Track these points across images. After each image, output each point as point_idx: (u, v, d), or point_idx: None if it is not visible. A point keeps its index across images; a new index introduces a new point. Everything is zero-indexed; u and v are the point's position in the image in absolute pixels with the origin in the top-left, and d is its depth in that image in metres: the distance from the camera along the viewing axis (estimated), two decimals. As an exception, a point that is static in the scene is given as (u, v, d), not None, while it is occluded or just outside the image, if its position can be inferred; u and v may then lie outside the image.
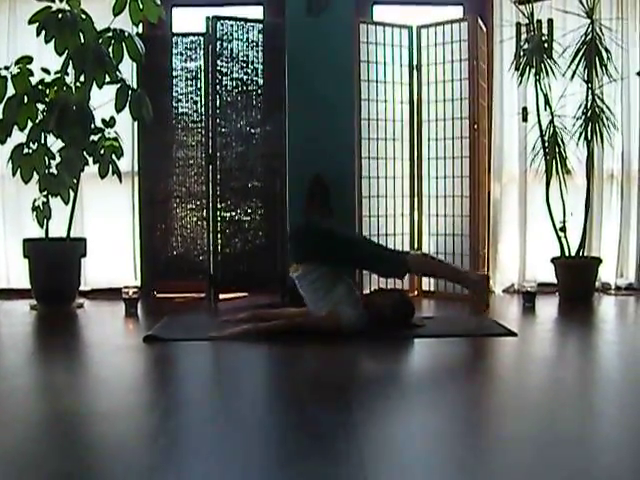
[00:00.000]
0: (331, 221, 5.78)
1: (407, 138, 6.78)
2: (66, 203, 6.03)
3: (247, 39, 6.56)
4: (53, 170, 5.98)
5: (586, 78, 6.31)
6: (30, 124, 5.91)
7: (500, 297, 6.61)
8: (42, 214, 6.05)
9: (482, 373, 4.19)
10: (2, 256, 6.78)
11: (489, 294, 5.38)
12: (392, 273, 5.40)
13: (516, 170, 6.89)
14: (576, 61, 6.27)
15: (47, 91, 5.94)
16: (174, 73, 6.62)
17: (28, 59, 5.94)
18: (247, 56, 6.57)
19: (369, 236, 6.40)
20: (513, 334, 4.87)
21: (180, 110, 6.66)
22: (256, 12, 7.02)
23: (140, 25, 6.29)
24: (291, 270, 5.21)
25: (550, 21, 6.30)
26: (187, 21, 7.04)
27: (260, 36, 6.62)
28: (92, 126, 5.97)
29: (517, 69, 6.38)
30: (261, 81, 6.65)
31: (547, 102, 6.36)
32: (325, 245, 5.14)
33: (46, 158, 5.96)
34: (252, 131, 6.66)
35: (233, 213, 6.56)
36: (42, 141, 5.97)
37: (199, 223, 6.68)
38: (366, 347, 4.74)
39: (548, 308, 6.05)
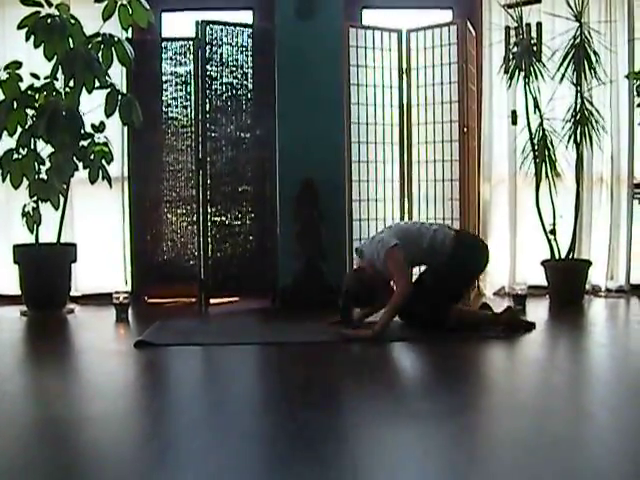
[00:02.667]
0: None
1: (397, 141, 6.79)
2: (56, 208, 6.02)
3: (237, 43, 6.56)
4: (43, 175, 5.97)
5: (575, 81, 6.33)
6: (20, 129, 5.89)
7: (490, 300, 6.61)
8: (32, 220, 6.03)
9: (473, 376, 4.19)
10: (-8, 262, 6.76)
11: (519, 319, 5.31)
12: (440, 320, 5.14)
13: (506, 173, 6.90)
14: (565, 64, 6.29)
15: (36, 96, 5.93)
16: (164, 78, 6.62)
17: (17, 64, 5.93)
18: (237, 60, 6.57)
19: (359, 240, 6.42)
20: (503, 337, 4.87)
21: (170, 115, 6.65)
22: (245, 16, 7.03)
23: (129, 30, 6.27)
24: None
25: (539, 24, 6.32)
26: (176, 26, 7.04)
27: (250, 40, 6.61)
28: (82, 131, 5.96)
29: (506, 72, 6.39)
30: (251, 85, 6.65)
31: (536, 105, 6.38)
32: None
33: (36, 163, 5.95)
34: (242, 135, 6.65)
35: (223, 218, 6.55)
36: (32, 146, 5.96)
37: (189, 228, 6.67)
38: (358, 351, 4.74)
39: (538, 311, 6.06)
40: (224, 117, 6.56)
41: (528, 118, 6.38)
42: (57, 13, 5.78)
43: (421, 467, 2.73)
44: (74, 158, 5.98)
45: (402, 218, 6.79)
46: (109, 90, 5.91)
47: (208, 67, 6.46)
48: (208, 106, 6.48)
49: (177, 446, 2.93)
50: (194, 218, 6.57)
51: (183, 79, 6.61)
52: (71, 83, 5.85)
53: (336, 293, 5.53)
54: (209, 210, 6.46)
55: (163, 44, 6.63)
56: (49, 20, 5.73)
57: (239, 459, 2.78)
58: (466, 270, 5.44)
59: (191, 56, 6.55)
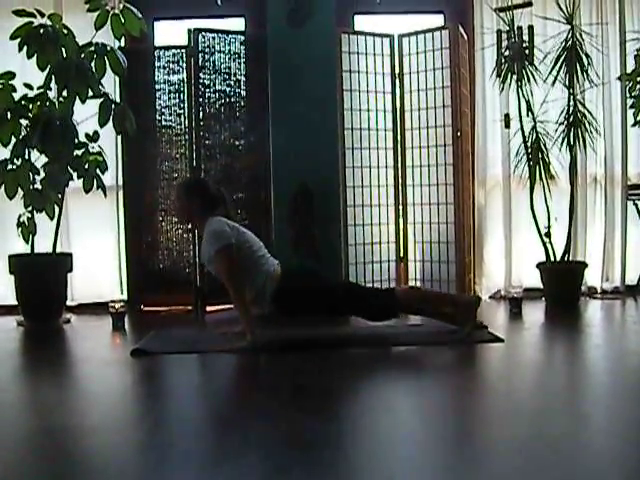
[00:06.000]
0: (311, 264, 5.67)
1: (391, 146, 6.81)
2: (51, 218, 6.02)
3: (229, 51, 6.57)
4: (38, 185, 5.97)
5: (567, 84, 6.35)
6: (14, 140, 5.89)
7: (487, 303, 6.62)
8: (27, 230, 6.03)
9: (470, 380, 4.19)
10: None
11: (476, 318, 5.23)
12: (383, 314, 5.12)
13: (500, 176, 6.92)
14: (557, 67, 6.31)
15: (30, 106, 5.92)
16: (157, 86, 6.63)
17: (10, 75, 5.93)
18: (229, 68, 6.58)
19: (354, 245, 6.43)
20: (500, 340, 4.88)
21: (163, 123, 6.67)
22: (238, 24, 7.05)
23: (122, 39, 6.28)
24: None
25: (531, 28, 6.33)
26: (169, 34, 7.07)
27: (242, 48, 6.63)
28: (76, 141, 5.96)
29: (499, 76, 6.41)
30: (244, 93, 6.67)
31: (529, 108, 6.39)
32: (306, 301, 5.05)
33: (30, 174, 5.95)
34: (236, 142, 6.67)
35: (219, 225, 6.55)
36: (26, 157, 5.95)
37: (185, 236, 6.67)
38: (352, 356, 4.75)
39: (535, 313, 6.06)
40: (217, 124, 6.58)
41: (521, 121, 6.39)
42: (50, 23, 5.79)
43: (418, 471, 2.73)
44: (68, 168, 5.98)
45: (397, 223, 6.80)
46: (102, 99, 5.91)
47: (201, 75, 6.48)
48: (201, 114, 6.50)
49: (173, 454, 2.92)
50: (189, 226, 6.56)
51: (176, 87, 6.63)
52: (64, 93, 5.86)
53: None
54: (204, 218, 6.46)
55: (156, 53, 6.65)
56: (42, 30, 5.74)
57: (234, 467, 2.77)
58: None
59: (184, 64, 6.57)
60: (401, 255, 6.86)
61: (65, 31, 5.83)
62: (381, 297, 5.13)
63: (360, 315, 5.18)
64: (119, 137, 6.50)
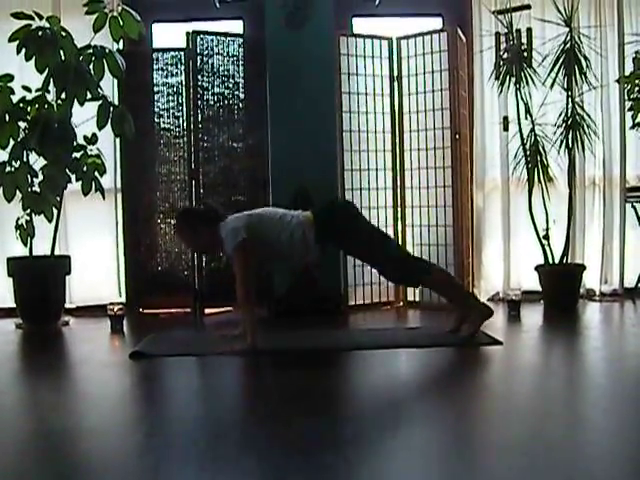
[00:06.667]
0: None
1: (389, 149, 6.80)
2: (50, 221, 6.01)
3: (227, 53, 6.58)
4: (36, 188, 5.96)
5: (566, 86, 6.34)
6: (12, 142, 5.89)
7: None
8: (26, 232, 6.02)
9: (469, 382, 4.19)
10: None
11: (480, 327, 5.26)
12: (411, 277, 5.24)
13: (498, 179, 6.92)
14: (555, 69, 6.30)
15: (28, 109, 5.92)
16: (155, 89, 6.63)
17: (9, 77, 5.93)
18: (228, 70, 6.59)
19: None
20: (499, 343, 4.88)
21: (162, 126, 6.66)
22: (236, 26, 7.04)
23: (120, 41, 6.28)
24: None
25: (529, 30, 6.34)
26: (167, 37, 7.06)
27: (240, 50, 6.63)
28: (74, 143, 5.96)
29: (497, 78, 6.41)
30: (242, 95, 6.67)
31: (528, 111, 6.39)
32: (354, 226, 5.12)
33: (29, 176, 5.94)
34: (234, 145, 6.66)
35: (217, 227, 6.54)
36: (24, 159, 5.95)
37: (183, 238, 6.66)
38: (353, 358, 4.74)
39: (533, 316, 6.07)
40: (216, 127, 6.58)
41: (520, 124, 6.39)
42: (48, 26, 5.78)
43: (417, 472, 2.73)
44: (67, 170, 5.98)
45: (396, 225, 6.80)
46: (101, 102, 5.90)
47: (199, 77, 6.48)
48: (200, 116, 6.50)
49: (171, 457, 2.92)
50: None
51: (175, 90, 6.62)
52: (63, 95, 5.85)
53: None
54: (203, 220, 6.46)
55: (154, 55, 6.64)
56: (40, 33, 5.73)
57: (234, 470, 2.77)
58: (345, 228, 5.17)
59: (182, 67, 6.57)
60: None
61: (63, 33, 5.82)
62: (419, 261, 5.30)
63: (388, 266, 5.16)
64: (117, 140, 6.49)
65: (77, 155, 6.03)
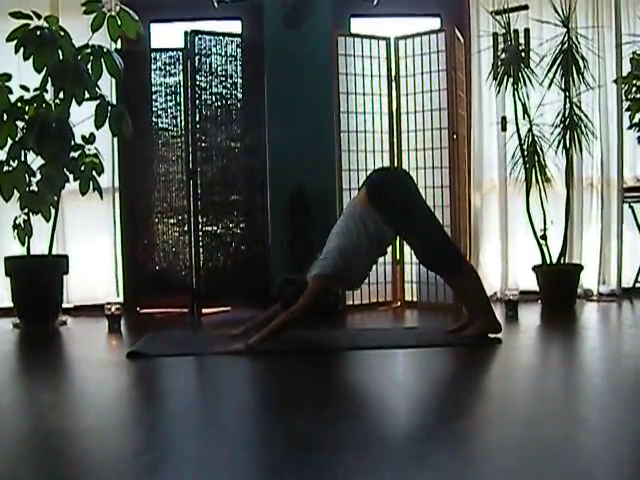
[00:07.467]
0: None
1: (387, 149, 6.80)
2: (47, 220, 6.02)
3: (226, 53, 6.57)
4: (34, 187, 5.97)
5: (563, 87, 6.36)
6: (10, 142, 5.89)
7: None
8: (23, 232, 6.02)
9: (467, 382, 4.19)
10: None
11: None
12: (446, 265, 5.16)
13: (496, 179, 6.93)
14: (553, 70, 6.31)
15: (26, 108, 5.93)
16: (153, 88, 6.62)
17: (7, 76, 5.93)
18: (226, 70, 6.58)
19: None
20: (496, 342, 4.88)
21: (160, 125, 6.66)
22: (234, 26, 7.04)
23: (119, 41, 6.27)
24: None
25: (527, 31, 6.35)
26: (165, 36, 7.06)
27: (239, 50, 6.63)
28: (72, 143, 5.96)
29: (495, 79, 6.42)
30: (240, 95, 6.66)
31: (525, 111, 6.40)
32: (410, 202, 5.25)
33: (26, 175, 5.95)
34: (232, 145, 6.66)
35: (215, 227, 6.56)
36: (22, 158, 5.95)
37: (181, 238, 6.67)
38: (351, 358, 4.75)
39: (531, 316, 6.07)
40: (214, 127, 6.57)
41: (517, 124, 6.40)
42: (46, 25, 5.78)
43: (416, 472, 2.73)
44: (65, 170, 5.98)
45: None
46: (99, 101, 5.90)
47: (197, 77, 6.47)
48: (198, 116, 6.49)
49: (169, 456, 2.92)
50: (185, 228, 6.57)
51: (173, 89, 6.62)
52: (61, 95, 5.85)
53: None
54: (200, 220, 6.47)
55: (152, 55, 6.64)
56: (38, 32, 5.73)
57: (232, 469, 2.77)
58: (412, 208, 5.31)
59: (180, 66, 6.57)
60: (397, 257, 6.84)
61: (62, 33, 5.82)
62: (458, 251, 5.40)
63: (432, 251, 5.17)
64: (115, 139, 6.50)
65: (75, 155, 6.04)
